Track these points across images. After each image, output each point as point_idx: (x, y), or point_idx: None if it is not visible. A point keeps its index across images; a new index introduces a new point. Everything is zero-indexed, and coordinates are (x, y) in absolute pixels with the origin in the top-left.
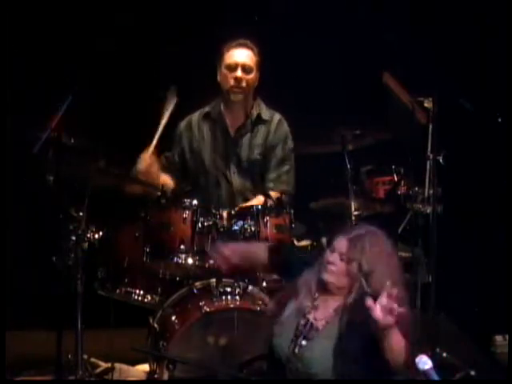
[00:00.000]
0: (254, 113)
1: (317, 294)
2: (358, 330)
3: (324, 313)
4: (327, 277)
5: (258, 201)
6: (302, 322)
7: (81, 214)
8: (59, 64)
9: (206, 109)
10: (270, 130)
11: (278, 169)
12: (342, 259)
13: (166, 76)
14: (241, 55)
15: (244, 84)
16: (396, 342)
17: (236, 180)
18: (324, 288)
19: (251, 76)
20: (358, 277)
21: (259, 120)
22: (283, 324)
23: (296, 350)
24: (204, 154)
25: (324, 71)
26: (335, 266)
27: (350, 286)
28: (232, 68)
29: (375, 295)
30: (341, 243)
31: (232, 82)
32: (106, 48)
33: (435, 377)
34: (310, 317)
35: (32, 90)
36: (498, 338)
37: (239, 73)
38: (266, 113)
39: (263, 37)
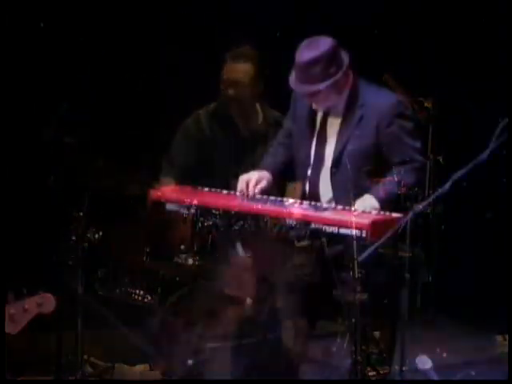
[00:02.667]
0: (271, 117)
1: None
2: None
3: None
4: None
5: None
6: None
7: (81, 214)
8: (59, 64)
9: (213, 107)
10: None
11: None
12: None
13: (167, 75)
14: (234, 71)
15: (238, 99)
16: None
17: None
18: None
19: (246, 90)
20: None
21: (276, 123)
22: None
23: None
24: (214, 156)
25: None
26: None
27: None
28: (225, 84)
29: None
30: None
31: (227, 97)
32: (106, 47)
33: (435, 377)
34: None
35: (32, 89)
36: (498, 338)
37: (231, 90)
38: (278, 116)
39: (263, 37)
